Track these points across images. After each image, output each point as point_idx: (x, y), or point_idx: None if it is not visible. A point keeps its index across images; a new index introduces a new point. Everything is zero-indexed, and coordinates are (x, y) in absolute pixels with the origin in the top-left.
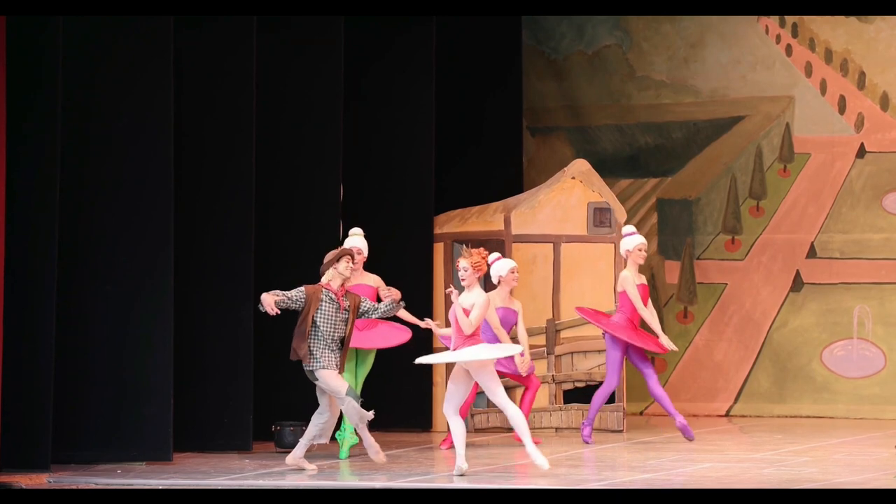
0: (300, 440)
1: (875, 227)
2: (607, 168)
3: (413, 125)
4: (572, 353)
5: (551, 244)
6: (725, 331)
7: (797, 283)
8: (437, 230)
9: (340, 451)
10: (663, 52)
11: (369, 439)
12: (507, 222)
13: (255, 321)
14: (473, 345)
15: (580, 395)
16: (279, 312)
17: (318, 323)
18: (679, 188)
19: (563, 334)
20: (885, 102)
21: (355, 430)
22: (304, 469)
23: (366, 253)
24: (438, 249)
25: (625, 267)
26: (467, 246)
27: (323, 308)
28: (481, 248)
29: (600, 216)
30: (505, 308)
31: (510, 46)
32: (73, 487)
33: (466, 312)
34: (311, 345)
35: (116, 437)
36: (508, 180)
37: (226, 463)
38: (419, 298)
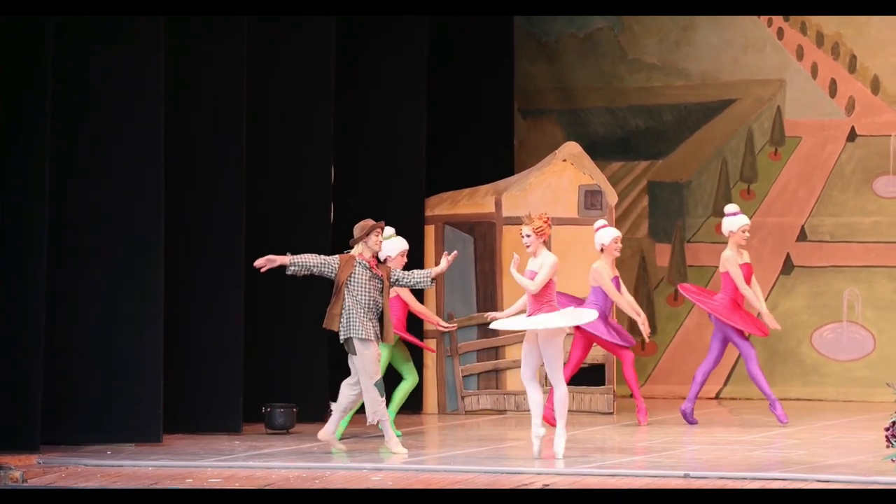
0: (333, 413)
1: (865, 211)
2: (598, 151)
3: (405, 108)
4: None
5: None
6: None
7: (787, 266)
8: (429, 212)
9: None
10: (654, 34)
11: (390, 432)
12: (497, 205)
13: (245, 302)
14: (549, 311)
15: (582, 377)
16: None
17: (352, 289)
18: (670, 171)
19: None
20: (875, 86)
21: (377, 423)
22: (333, 448)
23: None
24: (429, 232)
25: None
26: (525, 215)
27: (356, 274)
28: (543, 213)
29: (591, 199)
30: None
31: (502, 29)
32: (74, 486)
33: (534, 276)
34: (349, 312)
35: (106, 418)
36: (499, 163)
37: (215, 444)
38: None
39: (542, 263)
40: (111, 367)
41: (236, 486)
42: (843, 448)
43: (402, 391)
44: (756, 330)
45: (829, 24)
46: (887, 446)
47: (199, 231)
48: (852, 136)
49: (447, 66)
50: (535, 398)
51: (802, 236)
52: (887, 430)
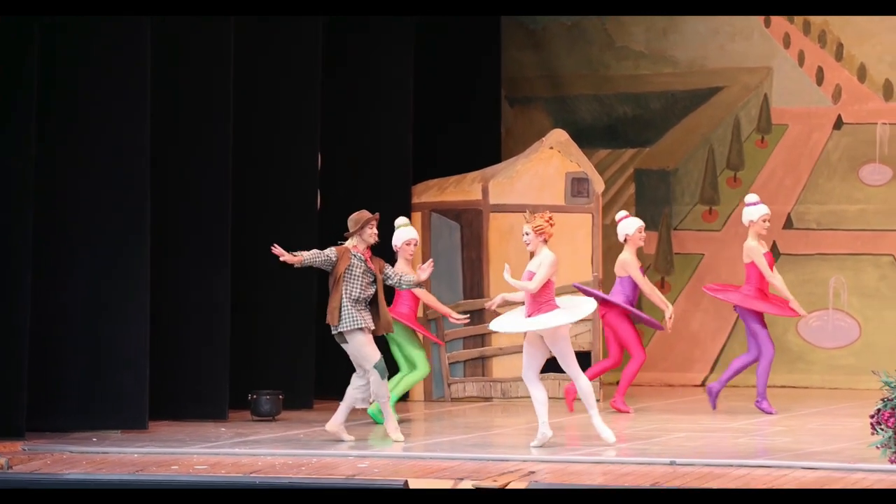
0: (340, 406)
1: (851, 199)
2: (585, 138)
3: (392, 96)
4: None
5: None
6: (702, 301)
7: (774, 254)
8: (415, 199)
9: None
10: (642, 22)
11: (390, 414)
12: (484, 192)
13: (231, 290)
14: (549, 311)
15: (556, 364)
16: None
17: (347, 281)
18: (657, 159)
19: None
20: (862, 74)
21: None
22: (342, 439)
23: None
24: (416, 219)
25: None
26: (525, 213)
27: (353, 266)
28: (545, 212)
29: (578, 186)
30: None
31: (489, 17)
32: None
33: (531, 276)
34: (342, 306)
35: (92, 405)
36: (487, 150)
37: (202, 431)
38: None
39: (541, 262)
40: (97, 354)
41: (223, 473)
42: (828, 435)
43: (411, 380)
44: (789, 312)
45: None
46: (872, 433)
47: (186, 220)
48: (839, 123)
49: (434, 54)
50: (540, 398)
51: (789, 224)
52: (872, 417)
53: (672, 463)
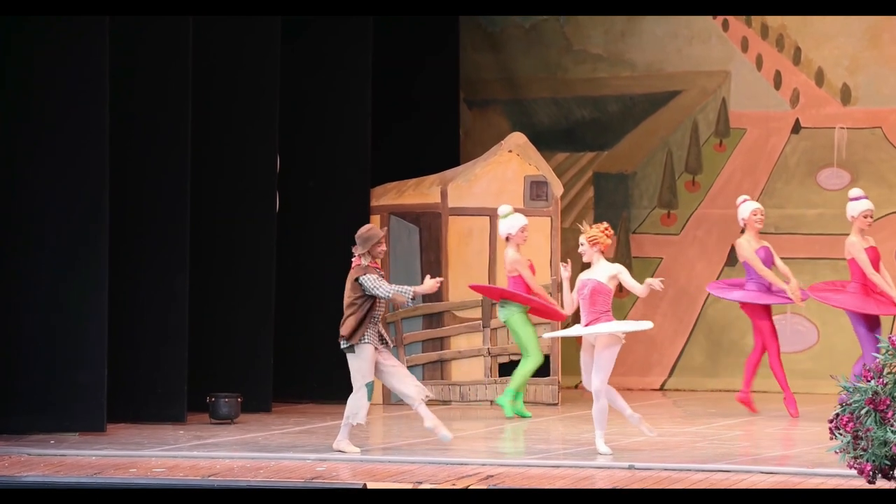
0: (342, 424)
1: (809, 203)
2: (543, 141)
3: (350, 97)
4: None
5: (487, 217)
6: (660, 305)
7: (732, 258)
8: (374, 202)
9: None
10: (600, 25)
11: (430, 415)
12: (443, 195)
13: (189, 291)
14: (607, 321)
15: (515, 367)
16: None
17: (378, 303)
18: (615, 162)
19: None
20: (820, 78)
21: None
22: (345, 452)
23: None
24: (375, 222)
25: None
26: (581, 223)
27: None
28: (604, 223)
29: (537, 190)
30: (762, 247)
31: (447, 18)
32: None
33: (601, 287)
34: (363, 324)
35: (49, 407)
36: (445, 153)
37: (160, 434)
38: None
39: (619, 274)
40: (54, 356)
41: (181, 475)
42: (787, 440)
43: (526, 370)
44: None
45: (774, 17)
46: (831, 438)
47: (144, 221)
48: (797, 128)
49: (393, 54)
50: (600, 406)
51: None
52: (831, 422)
53: (631, 467)
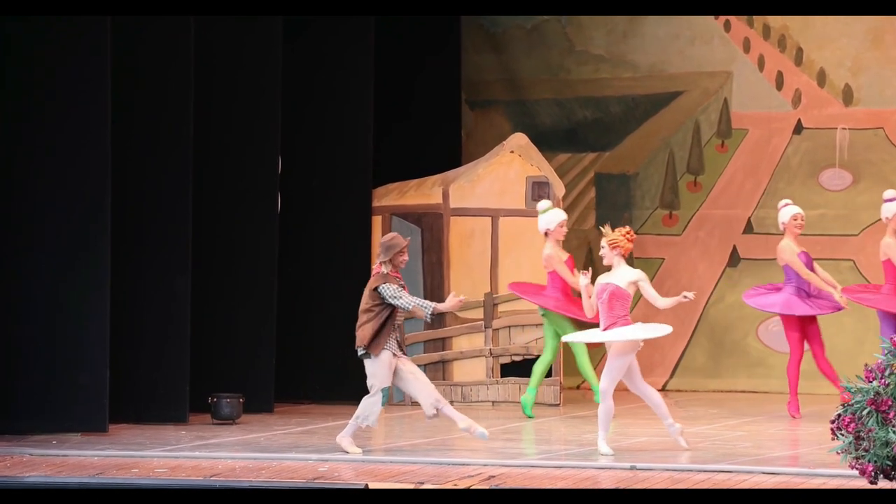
0: (350, 421)
1: (811, 203)
2: (545, 142)
3: (352, 98)
4: (510, 326)
5: (489, 218)
6: None
7: (734, 259)
8: (376, 203)
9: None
10: (602, 26)
11: (458, 416)
12: (445, 196)
13: (191, 291)
14: (624, 325)
15: (517, 368)
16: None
17: (398, 311)
18: (617, 163)
19: (501, 308)
20: (822, 79)
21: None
22: (346, 452)
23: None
24: (377, 223)
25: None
26: (603, 226)
27: None
28: (626, 226)
29: (539, 190)
30: (802, 252)
31: (449, 19)
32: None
33: (620, 291)
34: (380, 332)
35: (51, 407)
36: (447, 153)
37: (162, 434)
38: (357, 272)
39: (638, 280)
40: (57, 357)
41: (183, 476)
42: (788, 440)
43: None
44: None
45: (776, 17)
46: (833, 439)
47: (146, 222)
48: (798, 128)
49: (394, 55)
50: (655, 400)
51: (749, 228)
52: (833, 422)
53: (633, 468)
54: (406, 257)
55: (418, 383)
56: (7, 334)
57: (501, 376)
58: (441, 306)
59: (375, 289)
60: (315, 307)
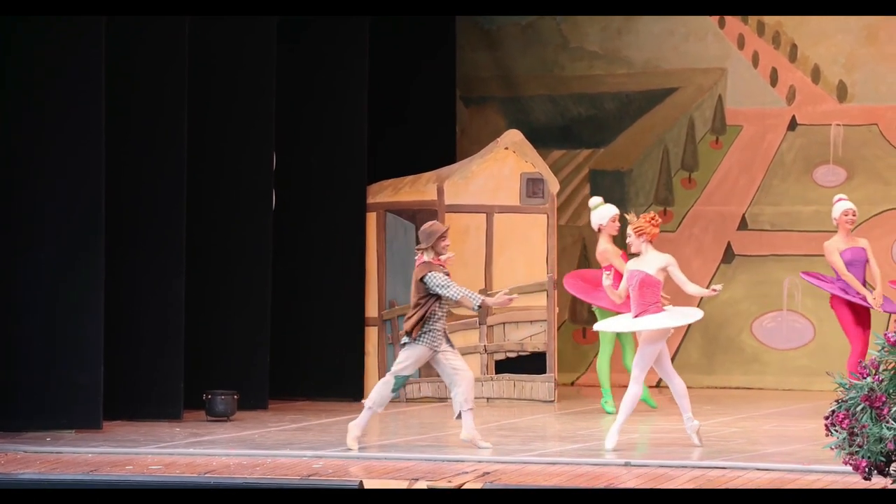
0: (364, 409)
1: (805, 200)
2: (540, 139)
3: (346, 95)
4: (504, 323)
5: (484, 214)
6: None
7: (728, 255)
8: (370, 200)
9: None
10: (596, 23)
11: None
12: (440, 192)
13: (186, 289)
14: (656, 312)
15: (512, 365)
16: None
17: (441, 299)
18: (611, 159)
19: None
20: (816, 75)
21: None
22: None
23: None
24: (371, 219)
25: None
26: (628, 213)
27: None
28: (651, 212)
29: (533, 187)
30: (850, 248)
31: (444, 17)
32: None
33: (650, 279)
34: (426, 321)
35: (46, 405)
36: (442, 150)
37: (156, 431)
38: (352, 269)
39: (668, 263)
40: (52, 354)
41: (177, 473)
42: (782, 437)
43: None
44: None
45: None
46: (827, 435)
47: (141, 220)
48: (793, 125)
49: (389, 52)
50: (679, 390)
51: (743, 225)
52: (827, 418)
53: (627, 464)
54: (448, 242)
55: (457, 381)
56: (3, 333)
57: (496, 373)
58: (490, 300)
59: (421, 279)
60: (310, 304)
